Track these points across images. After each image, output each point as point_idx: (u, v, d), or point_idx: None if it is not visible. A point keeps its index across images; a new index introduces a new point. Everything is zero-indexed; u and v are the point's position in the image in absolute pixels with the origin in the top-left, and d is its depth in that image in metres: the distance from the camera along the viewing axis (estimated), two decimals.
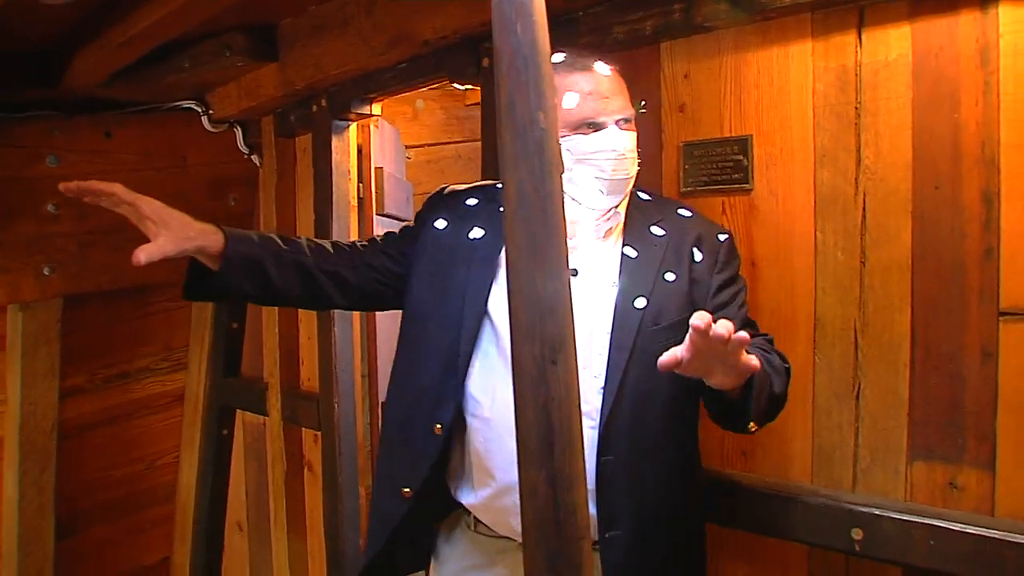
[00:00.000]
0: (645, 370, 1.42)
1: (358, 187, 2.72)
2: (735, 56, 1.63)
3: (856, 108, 1.48)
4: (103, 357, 3.18)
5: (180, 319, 3.36)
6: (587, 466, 1.39)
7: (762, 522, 1.59)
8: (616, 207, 1.49)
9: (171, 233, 1.38)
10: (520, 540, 1.41)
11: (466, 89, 3.00)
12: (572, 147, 1.43)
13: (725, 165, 1.65)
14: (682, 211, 1.54)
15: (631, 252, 1.47)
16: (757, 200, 1.63)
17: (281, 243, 1.54)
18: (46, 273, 2.69)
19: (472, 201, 1.60)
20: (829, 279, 1.53)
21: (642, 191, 1.58)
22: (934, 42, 1.39)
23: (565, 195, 1.47)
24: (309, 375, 2.83)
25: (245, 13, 2.26)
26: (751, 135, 1.62)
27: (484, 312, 1.47)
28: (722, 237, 1.53)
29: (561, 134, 1.44)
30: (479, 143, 2.11)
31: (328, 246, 1.61)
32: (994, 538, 1.31)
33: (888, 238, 1.45)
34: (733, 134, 1.64)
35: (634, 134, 1.47)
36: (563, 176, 1.45)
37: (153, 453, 3.46)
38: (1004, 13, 1.31)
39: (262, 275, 1.49)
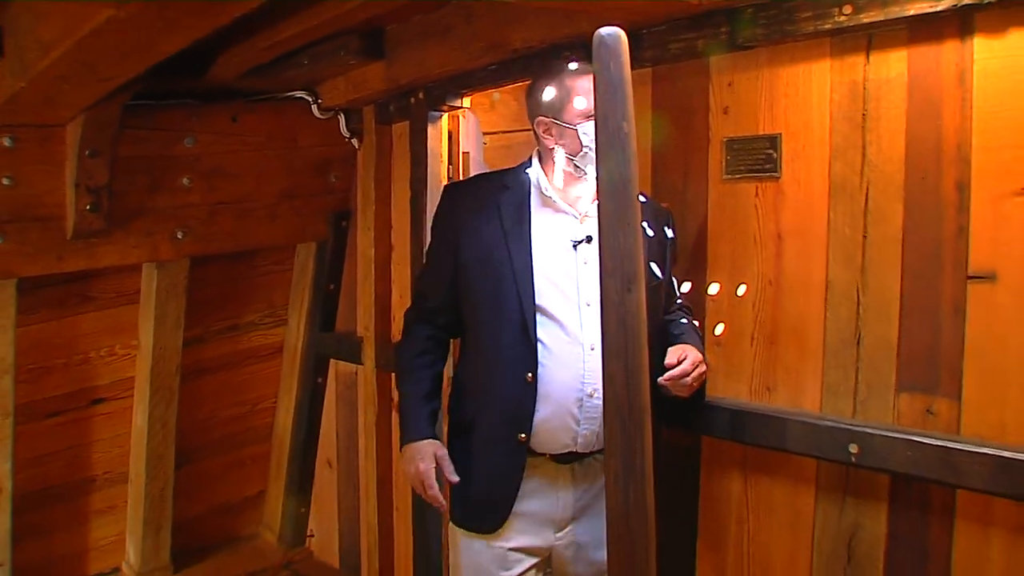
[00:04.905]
0: None
1: (448, 169, 3.15)
2: (769, 70, 2.03)
3: (863, 115, 1.87)
4: (217, 312, 3.65)
5: (283, 280, 3.81)
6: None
7: (781, 441, 1.99)
8: None
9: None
10: (550, 455, 1.90)
11: None
12: (588, 130, 1.86)
13: (759, 158, 2.05)
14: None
15: None
16: (784, 186, 2.02)
17: (430, 392, 2.08)
18: (179, 237, 3.16)
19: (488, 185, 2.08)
20: (839, 250, 1.92)
21: None
22: (924, 65, 1.77)
23: (589, 169, 1.90)
24: (399, 329, 3.29)
25: (359, 20, 2.71)
26: (780, 133, 2.01)
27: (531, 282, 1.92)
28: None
29: (576, 122, 1.88)
30: None
31: (435, 353, 2.12)
32: (958, 449, 1.69)
33: (884, 218, 1.84)
34: (766, 132, 2.04)
35: None
36: (582, 155, 1.88)
37: (255, 398, 3.93)
38: (978, 44, 1.69)
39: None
